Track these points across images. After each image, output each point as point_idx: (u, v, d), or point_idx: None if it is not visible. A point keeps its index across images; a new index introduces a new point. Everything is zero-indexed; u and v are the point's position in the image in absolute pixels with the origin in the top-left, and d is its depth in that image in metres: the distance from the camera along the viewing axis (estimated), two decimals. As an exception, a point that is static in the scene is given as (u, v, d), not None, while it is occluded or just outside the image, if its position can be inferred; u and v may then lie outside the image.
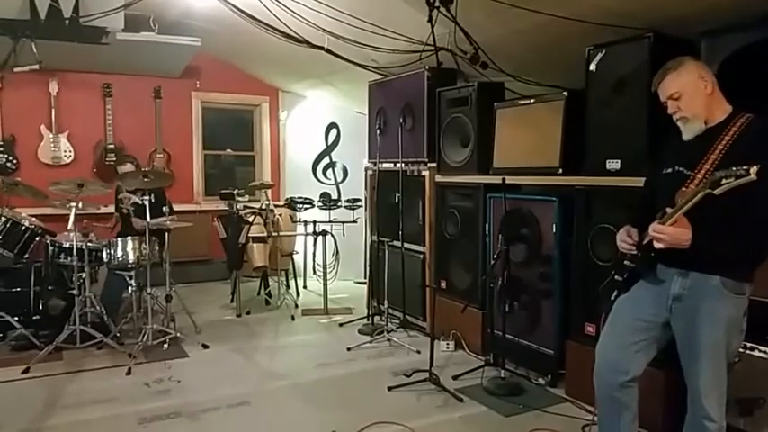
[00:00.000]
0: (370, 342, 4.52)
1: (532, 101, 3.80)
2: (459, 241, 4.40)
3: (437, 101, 4.48)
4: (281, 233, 5.76)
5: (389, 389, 3.58)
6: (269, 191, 6.08)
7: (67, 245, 4.23)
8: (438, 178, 4.56)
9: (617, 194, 3.11)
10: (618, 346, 2.25)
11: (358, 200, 5.70)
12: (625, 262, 2.20)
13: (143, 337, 4.14)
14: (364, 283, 5.76)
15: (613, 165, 3.14)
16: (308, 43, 4.55)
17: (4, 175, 5.42)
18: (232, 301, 5.76)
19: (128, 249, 4.33)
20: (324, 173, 7.22)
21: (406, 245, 4.82)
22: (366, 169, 5.42)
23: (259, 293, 5.88)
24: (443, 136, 4.44)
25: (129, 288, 4.55)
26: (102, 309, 4.37)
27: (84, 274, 4.26)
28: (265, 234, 5.57)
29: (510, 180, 3.69)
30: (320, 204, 5.99)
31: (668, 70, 2.12)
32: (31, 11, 4.51)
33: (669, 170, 2.15)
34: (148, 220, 4.18)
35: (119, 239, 4.37)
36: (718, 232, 1.95)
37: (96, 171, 6.36)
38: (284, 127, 7.56)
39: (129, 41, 5.32)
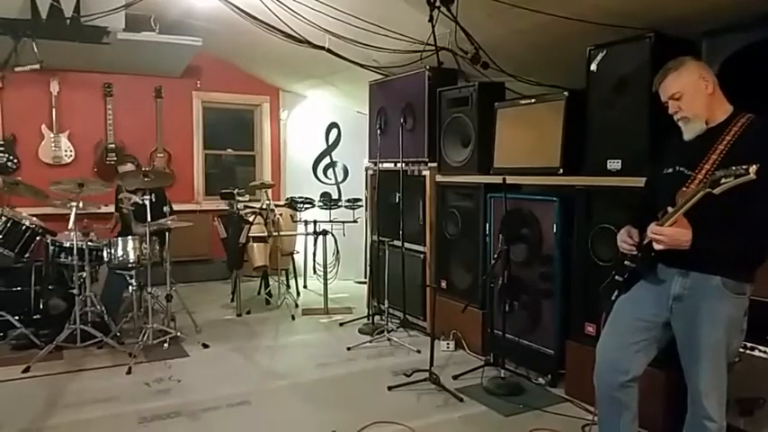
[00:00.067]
0: (371, 342, 4.52)
1: (533, 101, 3.80)
2: (460, 241, 4.40)
3: (438, 101, 4.48)
4: (281, 233, 5.76)
5: (389, 388, 3.58)
6: (269, 190, 6.09)
7: (68, 244, 4.23)
8: (438, 178, 4.56)
9: (618, 194, 3.10)
10: (618, 346, 2.25)
11: (358, 200, 5.71)
12: (625, 262, 2.20)
13: (143, 336, 4.15)
14: (364, 282, 5.76)
15: (614, 165, 3.14)
16: (309, 43, 4.55)
17: (5, 175, 5.41)
18: (232, 300, 5.76)
19: (128, 249, 4.33)
20: (324, 172, 7.22)
21: (406, 244, 4.82)
22: (366, 169, 5.42)
23: (259, 293, 5.88)
24: (444, 136, 4.44)
25: (130, 287, 4.55)
26: (103, 308, 4.36)
27: (84, 274, 4.26)
28: (266, 234, 5.57)
29: (510, 180, 3.69)
30: (321, 204, 5.99)
31: (669, 70, 2.12)
32: (33, 10, 4.52)
33: (670, 170, 2.15)
34: (149, 220, 4.18)
35: (119, 239, 4.37)
36: (719, 232, 1.94)
37: (97, 171, 6.36)
38: (285, 127, 7.56)
39: (130, 41, 5.32)
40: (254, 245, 5.52)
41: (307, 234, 5.87)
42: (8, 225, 4.21)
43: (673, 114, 2.13)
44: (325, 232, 5.65)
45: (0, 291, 4.38)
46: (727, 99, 2.12)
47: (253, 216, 5.58)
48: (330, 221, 5.73)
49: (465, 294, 4.21)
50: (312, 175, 7.23)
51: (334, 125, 7.12)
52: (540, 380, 3.68)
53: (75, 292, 4.16)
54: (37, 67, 4.89)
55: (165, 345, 4.27)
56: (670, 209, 1.99)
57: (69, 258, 4.21)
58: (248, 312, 5.44)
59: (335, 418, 3.18)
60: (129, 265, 4.39)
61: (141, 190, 4.39)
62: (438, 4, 3.51)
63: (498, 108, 4.03)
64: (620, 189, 3.08)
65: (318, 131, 7.20)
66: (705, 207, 1.89)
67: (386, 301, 4.75)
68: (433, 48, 3.93)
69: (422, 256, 4.74)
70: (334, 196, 6.68)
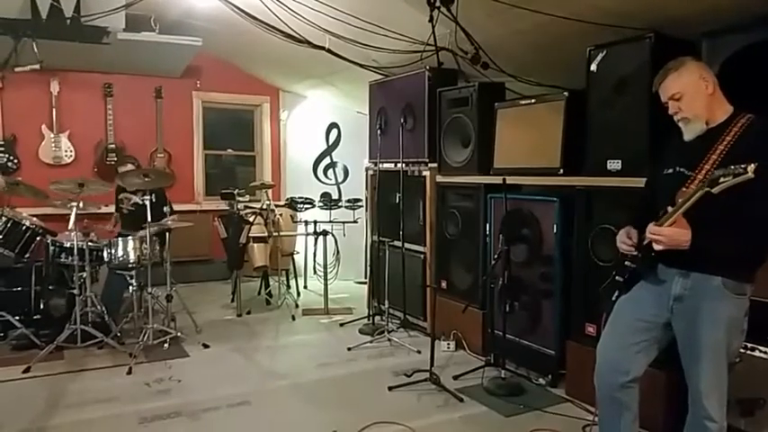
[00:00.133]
0: (371, 342, 4.53)
1: (533, 101, 3.80)
2: (460, 241, 4.40)
3: (438, 101, 4.48)
4: (281, 233, 5.76)
5: (390, 389, 3.58)
6: (269, 191, 6.09)
7: (68, 244, 4.23)
8: (439, 178, 4.56)
9: (618, 195, 3.10)
10: (619, 347, 2.25)
11: (359, 200, 5.71)
12: (626, 262, 2.20)
13: (144, 336, 4.15)
14: (365, 283, 5.76)
15: (614, 165, 3.14)
16: (309, 43, 4.55)
17: (6, 175, 5.41)
18: (233, 300, 5.76)
19: (128, 249, 4.33)
20: (324, 173, 7.22)
21: (406, 245, 4.82)
22: (367, 169, 5.42)
23: (259, 293, 5.88)
24: (444, 136, 4.44)
25: (130, 288, 4.55)
26: (103, 308, 4.36)
27: (84, 274, 4.26)
28: (266, 234, 5.57)
29: (510, 180, 3.69)
30: (321, 204, 5.99)
31: (669, 71, 2.12)
32: (33, 10, 4.52)
33: (670, 170, 2.15)
34: (149, 220, 4.18)
35: (119, 239, 4.37)
36: (718, 232, 1.94)
37: (97, 171, 6.36)
38: (285, 127, 7.56)
39: (130, 41, 5.33)
40: (255, 245, 5.52)
41: (307, 234, 5.87)
42: (8, 225, 4.21)
43: (673, 115, 2.13)
44: (325, 233, 5.65)
45: (0, 291, 4.38)
46: (727, 99, 2.12)
47: (253, 216, 5.58)
48: (330, 222, 5.73)
49: (465, 295, 4.21)
50: (312, 175, 7.23)
51: (334, 125, 7.12)
52: (541, 380, 3.68)
53: (75, 292, 4.17)
54: (37, 67, 4.89)
55: (166, 345, 4.27)
56: (670, 209, 1.99)
57: (70, 258, 4.21)
58: (248, 313, 5.44)
59: (336, 418, 3.18)
60: (130, 266, 4.39)
61: (141, 190, 4.39)
62: (438, 4, 3.51)
63: (498, 108, 4.03)
64: (620, 189, 3.07)
65: (318, 132, 7.20)
66: (704, 207, 1.89)
67: (386, 302, 4.75)
68: (433, 48, 3.93)
69: (422, 256, 4.74)
70: (335, 196, 6.68)
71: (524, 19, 3.36)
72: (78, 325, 4.09)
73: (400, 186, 4.79)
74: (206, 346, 4.39)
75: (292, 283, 6.24)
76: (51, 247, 4.31)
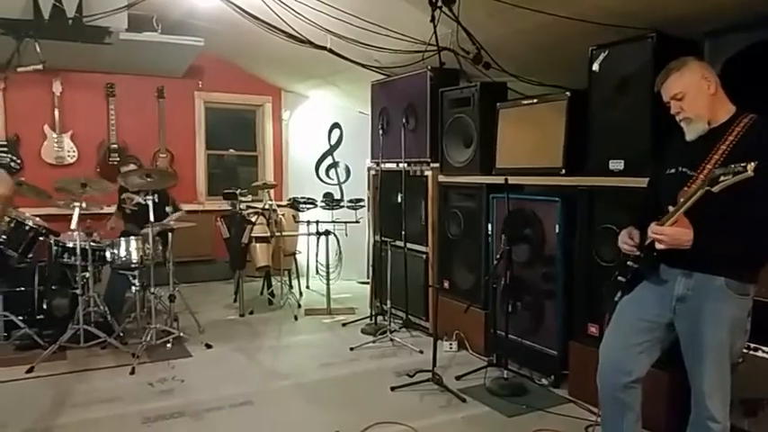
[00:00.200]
0: (373, 342, 4.53)
1: (535, 101, 3.80)
2: (462, 241, 4.40)
3: (440, 101, 4.48)
4: (283, 233, 5.76)
5: (392, 389, 3.58)
6: (272, 191, 6.11)
7: (71, 244, 4.24)
8: (441, 178, 4.56)
9: (620, 195, 3.10)
10: (621, 347, 2.24)
11: (361, 200, 5.71)
12: (628, 263, 2.20)
13: (146, 336, 4.16)
14: (367, 283, 5.76)
15: (616, 165, 3.14)
16: (311, 43, 4.56)
17: (9, 176, 5.42)
18: (235, 300, 5.77)
19: (131, 249, 4.33)
20: (327, 173, 7.22)
21: (408, 245, 4.81)
22: (369, 169, 5.42)
23: (262, 293, 5.88)
24: (446, 136, 4.44)
25: (133, 288, 4.55)
26: (106, 308, 4.37)
27: (87, 274, 4.28)
28: (268, 234, 5.58)
29: (513, 180, 3.69)
30: (323, 204, 5.99)
31: (671, 70, 2.12)
32: (35, 11, 4.53)
33: (672, 170, 2.14)
34: (151, 220, 4.19)
35: (122, 239, 4.38)
36: (720, 231, 1.94)
37: (100, 171, 6.38)
38: (287, 127, 7.57)
39: (133, 41, 5.34)
40: (257, 245, 5.53)
41: (309, 234, 5.87)
42: (11, 225, 4.23)
43: (675, 115, 2.13)
44: (327, 232, 5.65)
45: (4, 291, 4.39)
46: (729, 99, 2.11)
47: (255, 216, 5.58)
48: (332, 222, 5.73)
49: (467, 295, 4.21)
50: (314, 175, 7.24)
51: (336, 125, 7.12)
52: (543, 380, 3.68)
53: (78, 292, 4.18)
54: (39, 67, 4.90)
55: (169, 345, 4.28)
56: (671, 208, 1.99)
57: (72, 259, 4.23)
58: (251, 312, 5.45)
59: (338, 418, 3.18)
60: (132, 266, 4.40)
61: (144, 191, 4.40)
62: (440, 4, 3.51)
63: (500, 108, 4.02)
64: (622, 189, 3.07)
65: (320, 132, 7.21)
66: (706, 206, 1.89)
67: (388, 302, 4.75)
68: (435, 48, 3.92)
69: (424, 256, 4.74)
70: (337, 196, 6.67)
71: (526, 19, 3.36)
72: (81, 325, 4.10)
73: (402, 186, 4.79)
74: (209, 347, 4.40)
75: (295, 283, 6.24)
76: (54, 248, 4.32)
